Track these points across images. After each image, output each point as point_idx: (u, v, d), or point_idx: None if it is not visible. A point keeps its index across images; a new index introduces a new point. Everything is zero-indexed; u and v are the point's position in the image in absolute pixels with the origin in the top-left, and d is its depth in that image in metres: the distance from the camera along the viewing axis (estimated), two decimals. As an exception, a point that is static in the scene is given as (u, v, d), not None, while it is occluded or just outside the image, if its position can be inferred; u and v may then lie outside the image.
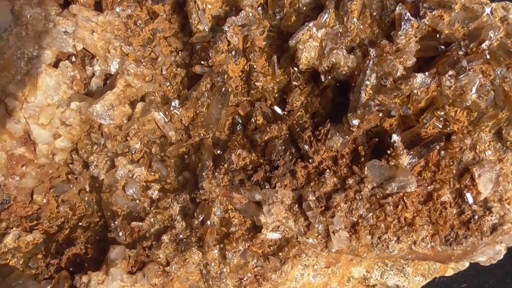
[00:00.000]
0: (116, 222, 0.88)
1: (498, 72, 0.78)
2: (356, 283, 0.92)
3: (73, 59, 0.94)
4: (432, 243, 0.77)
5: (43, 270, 0.88)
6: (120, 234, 0.87)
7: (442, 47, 0.80)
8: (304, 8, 0.90)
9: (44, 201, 0.94)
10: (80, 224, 0.93)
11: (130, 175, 0.89)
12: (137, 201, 0.89)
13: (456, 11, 0.81)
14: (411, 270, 0.90)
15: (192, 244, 0.83)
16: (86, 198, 0.94)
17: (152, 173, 0.91)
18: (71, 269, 0.88)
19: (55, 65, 0.92)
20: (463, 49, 0.79)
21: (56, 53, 0.92)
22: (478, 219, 0.76)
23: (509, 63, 0.78)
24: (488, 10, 0.80)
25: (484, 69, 0.79)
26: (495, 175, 0.76)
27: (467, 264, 0.90)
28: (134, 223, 0.87)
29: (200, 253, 0.82)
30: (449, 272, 0.92)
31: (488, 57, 0.78)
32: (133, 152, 0.92)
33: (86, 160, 0.92)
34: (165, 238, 0.84)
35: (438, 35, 0.81)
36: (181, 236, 0.84)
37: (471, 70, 0.77)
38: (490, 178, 0.76)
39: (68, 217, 0.94)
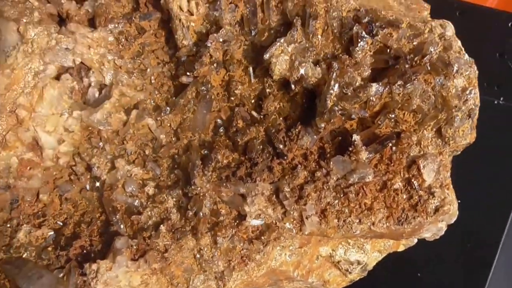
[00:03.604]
0: (117, 216, 1.00)
1: (438, 80, 0.95)
2: (323, 260, 1.06)
3: (71, 71, 1.06)
4: (387, 223, 0.93)
5: (54, 261, 0.99)
6: (122, 226, 0.99)
7: (392, 60, 0.97)
8: (274, 24, 1.05)
9: (49, 200, 1.05)
10: (83, 219, 1.05)
11: (129, 174, 1.02)
12: (135, 197, 1.01)
13: (403, 28, 0.97)
14: (370, 247, 1.06)
15: (187, 232, 0.96)
16: (87, 196, 1.06)
17: (146, 172, 1.04)
18: (79, 259, 1.00)
19: (57, 78, 1.03)
20: (408, 62, 0.95)
21: (58, 67, 1.03)
22: (424, 202, 0.93)
23: (446, 73, 0.95)
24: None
25: (426, 78, 0.95)
26: (436, 165, 0.93)
27: (415, 241, 1.07)
28: (133, 217, 1.00)
29: (194, 240, 0.96)
30: (401, 248, 1.09)
31: (429, 68, 0.95)
32: (129, 154, 1.05)
33: (89, 162, 1.04)
34: (163, 228, 0.97)
35: (388, 50, 0.97)
36: (176, 226, 0.98)
37: (416, 79, 0.94)
38: (432, 168, 0.93)
39: (70, 213, 1.06)
